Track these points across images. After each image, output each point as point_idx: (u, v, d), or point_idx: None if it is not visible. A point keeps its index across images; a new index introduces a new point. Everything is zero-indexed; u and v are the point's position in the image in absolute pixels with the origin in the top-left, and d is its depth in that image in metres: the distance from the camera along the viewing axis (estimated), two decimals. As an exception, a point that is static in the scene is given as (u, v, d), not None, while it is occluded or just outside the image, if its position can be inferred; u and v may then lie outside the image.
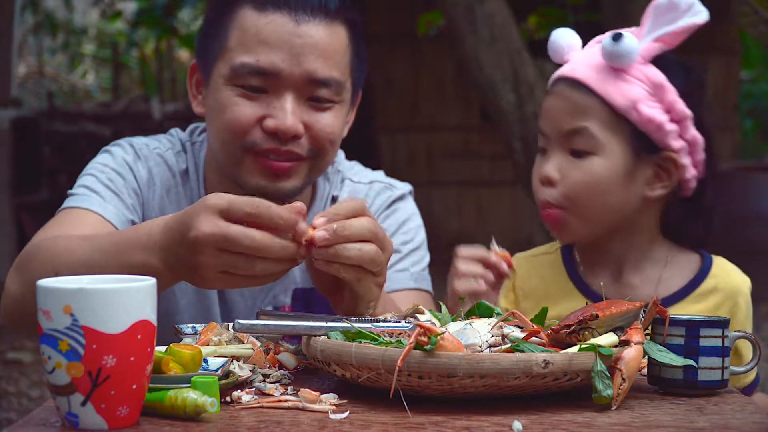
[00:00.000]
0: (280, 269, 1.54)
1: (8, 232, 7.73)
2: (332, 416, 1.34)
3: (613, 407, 1.39)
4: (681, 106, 1.92)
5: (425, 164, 8.54)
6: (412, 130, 8.53)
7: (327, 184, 2.08)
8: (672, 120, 1.91)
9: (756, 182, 7.57)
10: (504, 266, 1.86)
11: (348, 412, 1.35)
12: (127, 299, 1.27)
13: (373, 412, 1.36)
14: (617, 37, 1.87)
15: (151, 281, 1.31)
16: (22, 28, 13.55)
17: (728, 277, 2.00)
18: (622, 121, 1.90)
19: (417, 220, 2.12)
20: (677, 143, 1.92)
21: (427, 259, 2.10)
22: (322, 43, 1.88)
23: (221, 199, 1.51)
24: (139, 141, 2.04)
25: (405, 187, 2.14)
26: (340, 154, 2.12)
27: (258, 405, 1.39)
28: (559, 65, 1.99)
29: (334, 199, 2.08)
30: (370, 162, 2.25)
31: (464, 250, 1.87)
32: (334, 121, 1.92)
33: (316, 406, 1.38)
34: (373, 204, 2.09)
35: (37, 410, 1.39)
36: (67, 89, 16.09)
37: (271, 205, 1.51)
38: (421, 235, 2.10)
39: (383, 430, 1.29)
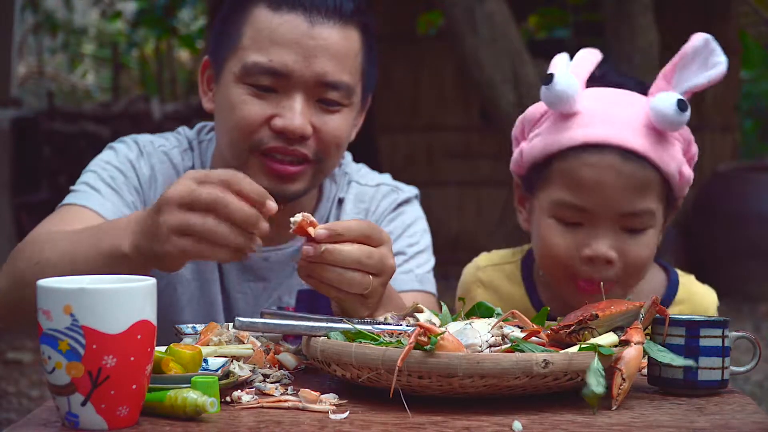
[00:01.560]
0: (233, 240, 1.50)
1: (8, 233, 7.72)
2: (332, 416, 1.34)
3: (613, 407, 1.39)
4: (696, 153, 1.85)
5: (425, 164, 8.53)
6: (412, 130, 8.52)
7: (333, 186, 2.08)
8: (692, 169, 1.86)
9: (756, 182, 7.55)
10: None
11: (348, 412, 1.35)
12: (127, 299, 1.27)
13: (373, 412, 1.36)
14: (683, 107, 1.73)
15: (151, 281, 1.31)
16: (22, 28, 13.54)
17: (695, 298, 1.96)
18: (667, 185, 1.81)
19: (422, 224, 2.12)
20: (687, 188, 1.87)
21: (431, 262, 2.10)
22: (335, 46, 1.88)
23: (200, 171, 1.54)
24: (144, 138, 2.05)
25: (411, 191, 2.14)
26: (347, 156, 2.12)
27: (258, 405, 1.40)
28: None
29: (340, 201, 2.08)
30: (370, 162, 2.25)
31: None
32: (342, 124, 1.92)
33: (316, 406, 1.38)
34: (379, 207, 2.09)
35: (37, 410, 1.39)
36: (67, 89, 16.08)
37: (245, 176, 1.53)
38: (427, 239, 2.10)
39: (383, 430, 1.29)
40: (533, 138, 1.84)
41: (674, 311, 1.91)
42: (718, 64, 1.75)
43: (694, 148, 1.84)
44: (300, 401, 1.39)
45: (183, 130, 2.11)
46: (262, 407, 1.39)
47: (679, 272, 1.99)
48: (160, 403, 1.33)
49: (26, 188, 8.35)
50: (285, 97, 1.89)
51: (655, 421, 1.34)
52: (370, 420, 1.33)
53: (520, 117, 1.89)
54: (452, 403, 1.39)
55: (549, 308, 1.62)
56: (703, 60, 1.76)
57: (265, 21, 1.89)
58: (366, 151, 2.01)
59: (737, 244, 7.40)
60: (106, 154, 2.01)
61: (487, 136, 8.20)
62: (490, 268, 2.06)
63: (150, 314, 1.29)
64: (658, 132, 1.76)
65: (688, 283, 1.99)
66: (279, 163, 1.89)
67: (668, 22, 6.17)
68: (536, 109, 1.85)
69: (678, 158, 1.79)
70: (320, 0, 1.88)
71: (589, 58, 1.86)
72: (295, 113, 1.87)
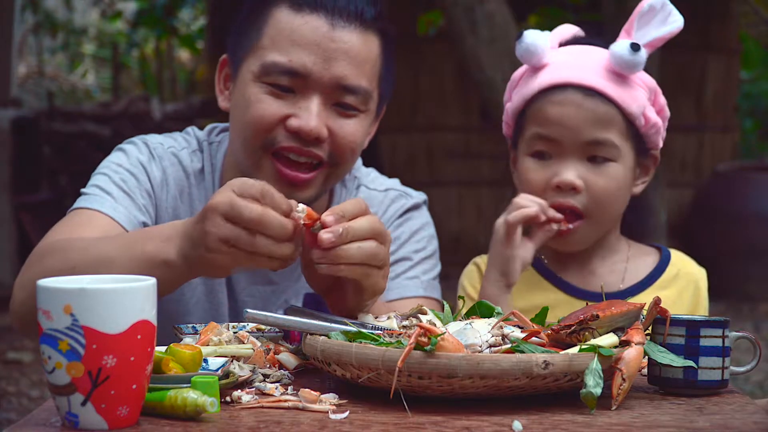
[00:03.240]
0: (280, 252, 1.55)
1: (8, 232, 7.71)
2: (332, 416, 1.34)
3: (613, 407, 1.39)
4: (665, 105, 2.03)
5: (425, 164, 8.53)
6: (412, 130, 8.51)
7: (344, 191, 2.08)
8: (661, 120, 2.03)
9: (756, 182, 7.55)
10: (560, 217, 1.94)
11: (348, 412, 1.35)
12: (127, 299, 1.27)
13: (373, 412, 1.36)
14: (636, 48, 1.92)
15: (151, 281, 1.31)
16: (22, 28, 13.55)
17: (688, 266, 2.11)
18: (632, 126, 1.98)
19: (430, 230, 2.11)
20: (661, 141, 2.04)
21: (438, 268, 2.09)
22: (355, 50, 1.88)
23: (240, 179, 1.56)
24: (153, 140, 2.03)
25: (420, 197, 2.14)
26: (358, 161, 2.11)
27: (258, 405, 1.40)
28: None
29: None
30: (370, 162, 2.24)
31: (525, 195, 1.96)
32: (358, 129, 1.91)
33: (316, 406, 1.38)
34: (387, 211, 2.09)
35: (37, 410, 1.39)
36: (67, 89, 16.06)
37: (275, 190, 1.56)
38: (434, 245, 2.10)
39: (383, 430, 1.29)
40: (514, 95, 2.05)
41: (667, 280, 2.07)
42: (676, 21, 1.96)
43: (662, 99, 2.02)
44: (300, 401, 1.39)
45: (192, 130, 2.09)
46: (262, 407, 1.39)
47: (672, 250, 2.13)
48: (160, 403, 1.33)
49: (26, 188, 8.34)
50: (302, 98, 1.88)
51: (655, 421, 1.34)
52: (370, 420, 1.33)
53: (508, 84, 2.10)
54: (452, 403, 1.39)
55: (548, 307, 1.63)
56: (662, 18, 1.95)
57: (286, 21, 1.88)
58: (366, 151, 2.00)
59: (737, 244, 7.40)
60: (116, 156, 1.99)
61: (487, 136, 8.21)
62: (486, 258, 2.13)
63: (150, 314, 1.29)
64: (619, 75, 1.96)
65: (679, 258, 2.12)
66: (291, 169, 1.89)
67: (668, 22, 6.15)
68: (517, 73, 2.08)
69: (641, 101, 1.96)
70: (342, 3, 1.88)
71: (563, 30, 2.08)
72: (312, 114, 1.87)
